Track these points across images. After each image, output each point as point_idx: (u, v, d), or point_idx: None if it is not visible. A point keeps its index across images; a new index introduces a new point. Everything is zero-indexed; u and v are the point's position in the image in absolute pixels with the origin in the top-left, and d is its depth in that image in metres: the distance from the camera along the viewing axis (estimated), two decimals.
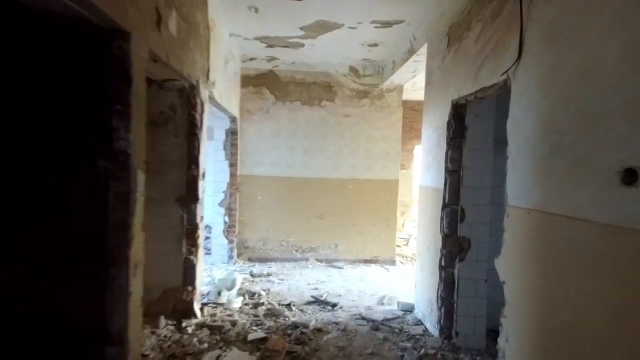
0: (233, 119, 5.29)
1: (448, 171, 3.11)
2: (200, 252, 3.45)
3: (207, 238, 6.76)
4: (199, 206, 3.33)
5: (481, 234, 3.02)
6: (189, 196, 3.27)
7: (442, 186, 3.18)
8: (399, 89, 5.66)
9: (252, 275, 4.87)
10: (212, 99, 3.74)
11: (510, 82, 2.24)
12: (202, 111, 3.34)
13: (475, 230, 3.02)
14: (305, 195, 5.64)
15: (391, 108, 5.66)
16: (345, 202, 5.67)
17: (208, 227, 7.60)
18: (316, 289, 4.48)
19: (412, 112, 8.48)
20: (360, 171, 5.66)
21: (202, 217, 3.46)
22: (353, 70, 5.61)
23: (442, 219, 3.15)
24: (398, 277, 5.15)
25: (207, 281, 4.61)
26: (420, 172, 3.89)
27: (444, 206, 3.13)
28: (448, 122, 3.12)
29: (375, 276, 5.15)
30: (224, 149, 5.38)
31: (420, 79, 6.38)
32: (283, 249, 5.66)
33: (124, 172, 1.98)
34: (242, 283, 4.48)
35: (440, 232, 3.16)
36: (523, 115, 2.11)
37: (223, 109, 4.53)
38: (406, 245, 7.28)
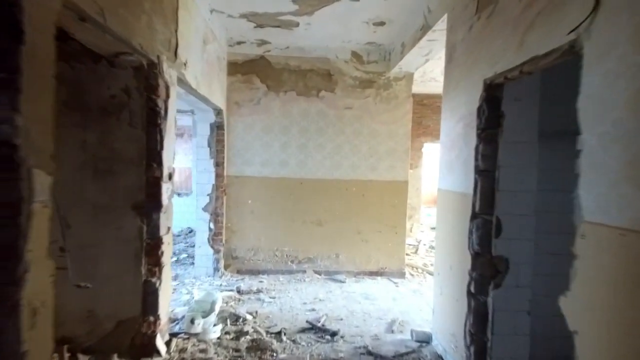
0: (218, 112, 4.62)
1: (478, 171, 2.43)
2: (166, 272, 2.78)
3: (190, 247, 6.12)
4: (163, 215, 2.66)
5: (523, 253, 2.33)
6: (150, 203, 2.60)
7: (469, 190, 2.50)
8: (409, 77, 4.97)
9: (239, 292, 4.20)
10: (183, 82, 3.07)
11: (581, 44, 1.56)
12: (168, 96, 2.68)
13: (514, 247, 2.33)
14: (301, 199, 4.96)
15: (399, 99, 4.97)
16: (346, 207, 4.99)
17: (190, 233, 7.00)
18: (313, 309, 3.80)
19: (421, 107, 7.79)
20: (363, 171, 4.98)
21: (168, 229, 2.79)
22: (356, 55, 4.93)
23: (470, 232, 2.46)
24: (408, 293, 4.47)
25: (185, 300, 3.94)
26: (439, 173, 3.19)
27: (474, 216, 2.44)
28: (479, 109, 2.43)
29: (382, 292, 4.46)
30: (209, 145, 4.71)
31: (431, 67, 5.69)
32: (277, 260, 4.98)
33: (9, 172, 1.31)
34: (226, 303, 3.81)
35: (469, 248, 2.47)
36: (609, 86, 1.42)
37: (203, 99, 3.86)
38: (415, 253, 6.58)
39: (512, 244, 2.32)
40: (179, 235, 7.22)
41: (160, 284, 2.67)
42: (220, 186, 4.78)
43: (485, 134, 2.39)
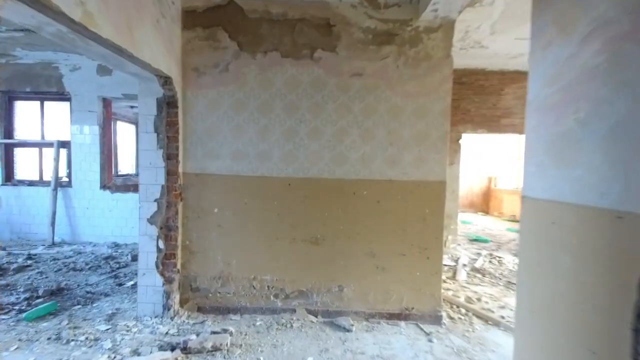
0: (166, 81, 3.20)
1: None
2: None
3: (126, 276, 4.70)
4: None
5: None
6: None
7: (621, 203, 0.88)
8: (447, 27, 3.34)
9: (185, 350, 2.75)
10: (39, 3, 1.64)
11: None
12: None
13: None
14: (289, 207, 3.45)
15: (433, 60, 3.35)
16: (354, 218, 3.43)
17: (116, 248, 5.41)
18: None
19: (458, 86, 6.08)
20: (378, 167, 3.40)
21: None
22: None
23: None
24: (450, 356, 2.84)
25: None
26: (527, 167, 1.58)
27: None
28: None
29: (408, 353, 2.86)
30: (156, 130, 3.30)
31: (477, 19, 3.96)
32: (254, 294, 3.49)
33: None
34: None
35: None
36: None
37: (115, 50, 2.43)
38: (453, 278, 4.90)
39: None
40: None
41: None
42: (173, 188, 3.36)
43: None
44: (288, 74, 3.37)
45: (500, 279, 5.07)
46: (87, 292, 4.12)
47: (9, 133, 6.20)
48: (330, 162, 3.41)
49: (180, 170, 3.39)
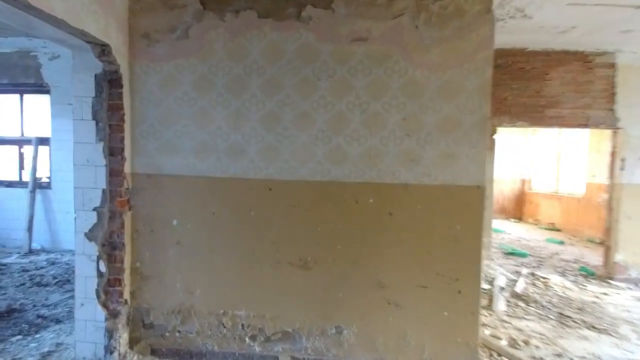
0: (103, 51, 2.40)
1: None
2: None
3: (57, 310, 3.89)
4: None
5: None
6: None
7: None
8: None
9: None
10: None
11: None
12: None
13: None
14: (270, 219, 2.58)
15: (467, 17, 2.40)
16: (357, 235, 2.51)
17: (60, 283, 4.32)
18: None
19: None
20: (390, 166, 2.47)
21: None
22: None
23: None
24: None
25: None
26: None
27: None
28: None
29: None
30: (94, 117, 2.51)
31: None
32: (224, 334, 2.64)
33: None
34: None
35: None
36: None
37: (19, 2, 1.64)
38: (488, 307, 3.88)
39: None
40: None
41: None
42: (118, 194, 2.56)
43: None
44: (267, 40, 2.50)
45: (549, 309, 4.01)
46: (39, 317, 3.41)
47: None
48: (324, 159, 2.51)
49: (127, 169, 2.59)
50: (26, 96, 5.74)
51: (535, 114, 5.18)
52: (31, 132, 5.81)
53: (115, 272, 2.58)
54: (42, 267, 4.86)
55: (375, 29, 2.44)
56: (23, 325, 3.18)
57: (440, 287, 2.45)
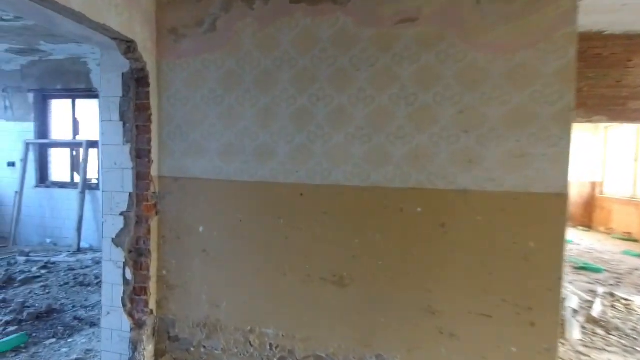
0: (129, 48, 2.27)
1: None
2: None
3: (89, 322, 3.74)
4: None
5: None
6: None
7: None
8: None
9: None
10: None
11: None
12: None
13: None
14: (301, 228, 2.29)
15: None
16: (401, 249, 2.15)
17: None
18: None
19: None
20: (442, 168, 2.07)
21: None
22: None
23: None
24: None
25: None
26: None
27: None
28: None
29: None
30: (121, 118, 2.40)
31: None
32: (252, 354, 2.40)
33: None
34: None
35: None
36: None
37: None
38: (560, 334, 3.27)
39: None
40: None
41: None
42: (144, 198, 2.43)
43: None
44: (299, 27, 2.22)
45: (635, 339, 3.32)
46: (75, 319, 3.43)
47: (43, 133, 6.03)
48: (362, 160, 2.17)
49: (153, 172, 2.45)
50: (78, 101, 6.02)
51: (616, 107, 4.42)
52: (83, 136, 6.10)
53: (142, 280, 2.45)
54: (87, 267, 5.02)
55: (426, 6, 2.06)
56: (59, 328, 3.19)
57: (508, 316, 2.00)
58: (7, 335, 3.02)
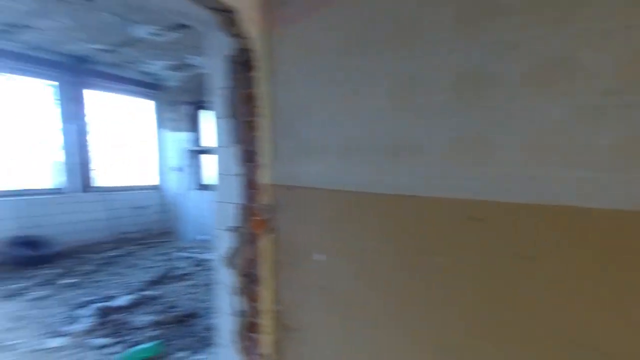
0: (227, 19, 1.78)
1: None
2: None
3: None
4: None
5: None
6: None
7: None
8: None
9: None
10: None
11: None
12: None
13: None
14: (474, 275, 1.35)
15: None
16: None
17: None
18: None
19: None
20: None
21: None
22: None
23: None
24: None
25: None
26: None
27: None
28: None
29: None
30: (226, 114, 1.97)
31: None
32: None
33: None
34: None
35: None
36: None
37: None
38: None
39: None
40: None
41: None
42: (252, 211, 1.94)
43: None
44: None
45: None
46: (206, 329, 3.35)
47: (196, 141, 6.72)
48: (616, 157, 1.08)
49: (264, 180, 1.93)
50: None
51: None
52: None
53: (252, 313, 1.97)
54: None
55: None
56: (188, 338, 3.12)
57: None
58: (151, 339, 3.09)
